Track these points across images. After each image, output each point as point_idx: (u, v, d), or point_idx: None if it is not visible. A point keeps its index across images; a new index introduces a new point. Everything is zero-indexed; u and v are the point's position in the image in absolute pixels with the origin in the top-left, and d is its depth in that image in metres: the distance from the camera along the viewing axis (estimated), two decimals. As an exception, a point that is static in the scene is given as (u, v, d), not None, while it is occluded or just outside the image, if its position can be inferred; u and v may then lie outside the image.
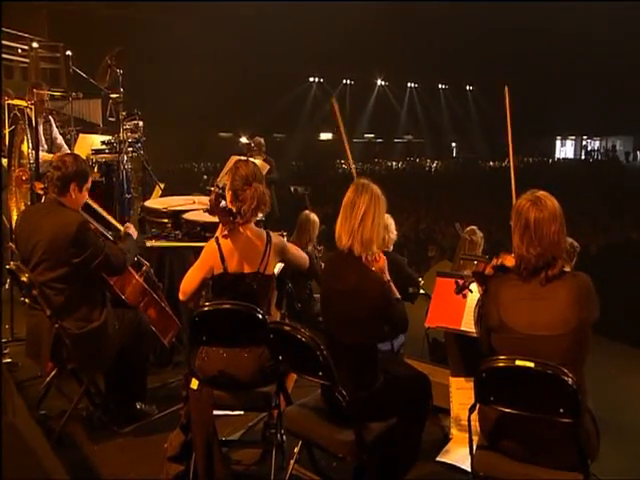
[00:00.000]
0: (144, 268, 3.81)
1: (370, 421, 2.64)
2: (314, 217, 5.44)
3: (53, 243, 3.26)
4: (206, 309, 2.87)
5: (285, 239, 4.10)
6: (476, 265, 2.78)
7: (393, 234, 4.39)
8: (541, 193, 2.40)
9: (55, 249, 3.26)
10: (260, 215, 3.43)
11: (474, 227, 4.93)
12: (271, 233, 3.13)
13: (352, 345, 2.70)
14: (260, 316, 2.81)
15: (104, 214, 3.98)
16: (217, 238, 3.07)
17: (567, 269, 2.41)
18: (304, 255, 3.32)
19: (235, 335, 2.91)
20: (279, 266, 3.31)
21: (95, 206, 3.91)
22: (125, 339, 3.46)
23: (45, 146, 5.92)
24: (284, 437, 3.07)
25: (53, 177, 3.38)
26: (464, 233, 4.90)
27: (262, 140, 7.79)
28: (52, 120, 6.17)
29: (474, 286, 2.99)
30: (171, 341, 3.86)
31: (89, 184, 3.50)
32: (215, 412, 2.90)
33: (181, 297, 3.12)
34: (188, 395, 2.91)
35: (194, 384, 2.87)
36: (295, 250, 3.26)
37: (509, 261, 2.51)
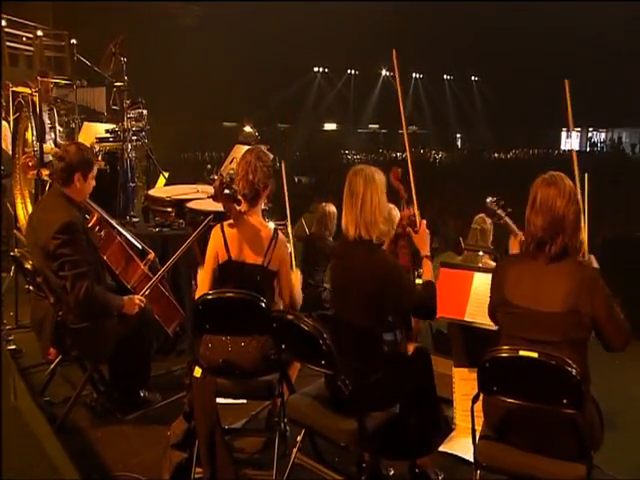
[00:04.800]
0: (149, 257, 3.81)
1: (372, 409, 2.64)
2: (330, 208, 5.47)
3: (44, 237, 3.25)
4: (209, 297, 2.87)
5: (289, 228, 4.11)
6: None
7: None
8: (556, 173, 2.43)
9: (46, 245, 3.25)
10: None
11: (482, 215, 4.92)
12: (280, 234, 3.09)
13: (357, 328, 2.70)
14: (263, 305, 2.81)
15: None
16: (222, 225, 3.07)
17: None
18: (298, 290, 3.19)
19: (238, 324, 2.91)
20: None
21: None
22: (129, 327, 3.46)
23: (52, 135, 5.91)
24: (287, 426, 3.07)
25: (57, 167, 3.37)
26: (474, 222, 4.90)
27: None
28: (55, 110, 6.14)
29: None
30: (175, 330, 3.87)
31: (94, 172, 3.47)
32: (218, 400, 2.91)
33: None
34: (191, 383, 2.91)
35: (197, 372, 2.88)
36: (293, 275, 3.16)
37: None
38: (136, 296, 3.47)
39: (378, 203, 2.71)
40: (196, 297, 3.07)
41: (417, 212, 2.96)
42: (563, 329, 2.28)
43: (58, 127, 6.05)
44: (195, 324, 3.00)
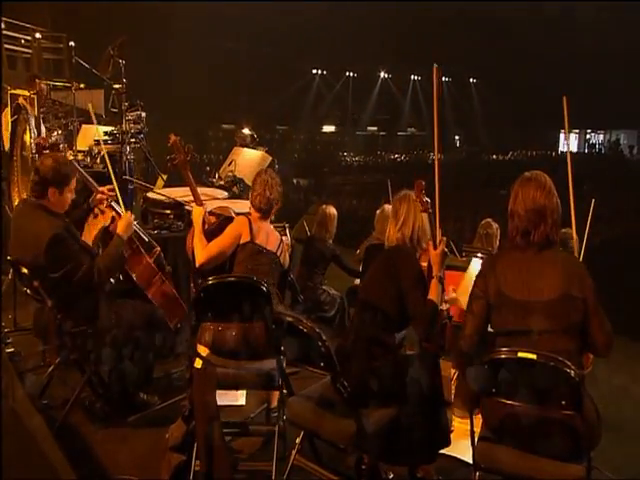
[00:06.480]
0: (155, 250, 3.81)
1: (372, 399, 2.65)
2: (331, 211, 5.48)
3: (27, 254, 3.23)
4: (210, 282, 2.92)
5: (287, 230, 4.16)
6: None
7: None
8: (535, 171, 2.54)
9: (31, 261, 3.23)
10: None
11: (489, 220, 4.93)
12: (284, 240, 3.51)
13: (378, 311, 2.82)
14: (264, 288, 2.87)
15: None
16: (248, 215, 3.44)
17: None
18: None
19: (240, 309, 2.92)
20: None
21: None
22: (128, 329, 3.45)
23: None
24: (284, 423, 3.07)
25: (33, 180, 3.34)
26: (479, 227, 4.91)
27: None
28: (51, 113, 6.11)
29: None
30: (177, 325, 3.87)
31: (72, 186, 3.38)
32: (217, 401, 2.90)
33: (198, 262, 3.31)
34: (192, 376, 2.92)
35: (198, 363, 2.90)
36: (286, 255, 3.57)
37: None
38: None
39: (421, 224, 2.95)
40: (197, 263, 3.33)
41: (439, 229, 2.95)
42: (559, 315, 2.32)
43: (56, 131, 6.05)
44: (197, 313, 3.05)
